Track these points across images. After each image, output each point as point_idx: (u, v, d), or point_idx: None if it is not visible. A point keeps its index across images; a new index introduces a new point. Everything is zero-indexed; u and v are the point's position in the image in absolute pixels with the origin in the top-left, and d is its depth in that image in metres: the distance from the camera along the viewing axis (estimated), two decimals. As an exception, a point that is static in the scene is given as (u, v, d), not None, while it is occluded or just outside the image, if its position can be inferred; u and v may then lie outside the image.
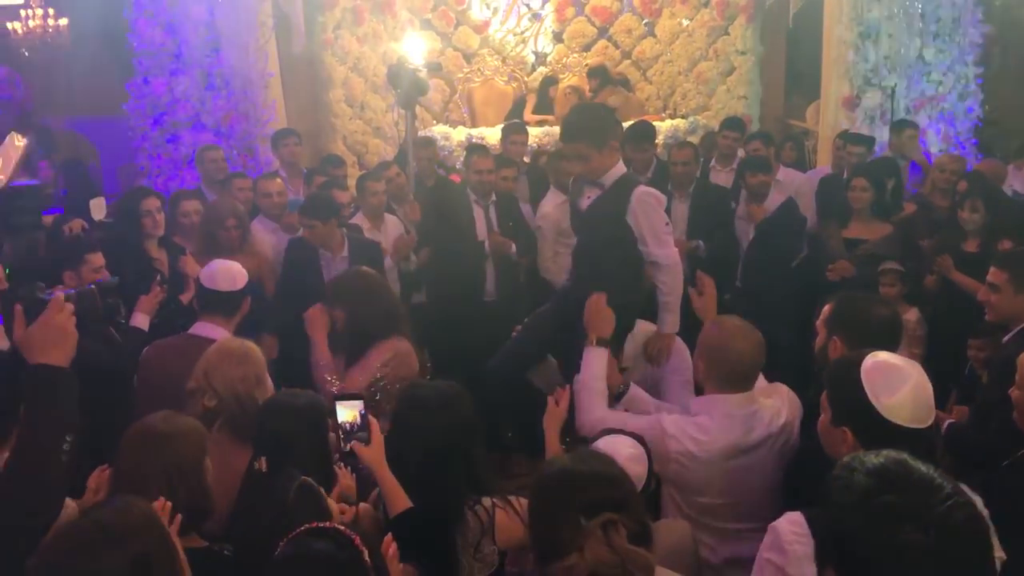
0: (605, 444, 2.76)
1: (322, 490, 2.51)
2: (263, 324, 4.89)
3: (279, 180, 6.20)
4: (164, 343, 3.95)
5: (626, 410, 3.53)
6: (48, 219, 5.75)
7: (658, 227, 3.91)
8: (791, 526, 2.20)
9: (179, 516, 2.28)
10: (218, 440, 3.07)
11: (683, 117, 10.28)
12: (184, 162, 7.99)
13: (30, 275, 4.48)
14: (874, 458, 1.61)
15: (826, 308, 3.14)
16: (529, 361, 4.22)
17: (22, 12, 9.92)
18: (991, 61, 9.00)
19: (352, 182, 7.33)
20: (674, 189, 6.38)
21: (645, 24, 11.01)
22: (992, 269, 3.96)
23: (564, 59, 11.02)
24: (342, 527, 1.97)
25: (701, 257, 6.27)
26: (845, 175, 6.55)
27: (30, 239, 5.50)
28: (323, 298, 4.08)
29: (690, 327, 3.84)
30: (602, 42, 11.08)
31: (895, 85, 8.24)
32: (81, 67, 9.82)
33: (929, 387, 2.33)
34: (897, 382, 2.28)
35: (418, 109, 8.57)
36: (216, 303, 3.86)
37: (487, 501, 2.68)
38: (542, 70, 10.98)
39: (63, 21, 9.92)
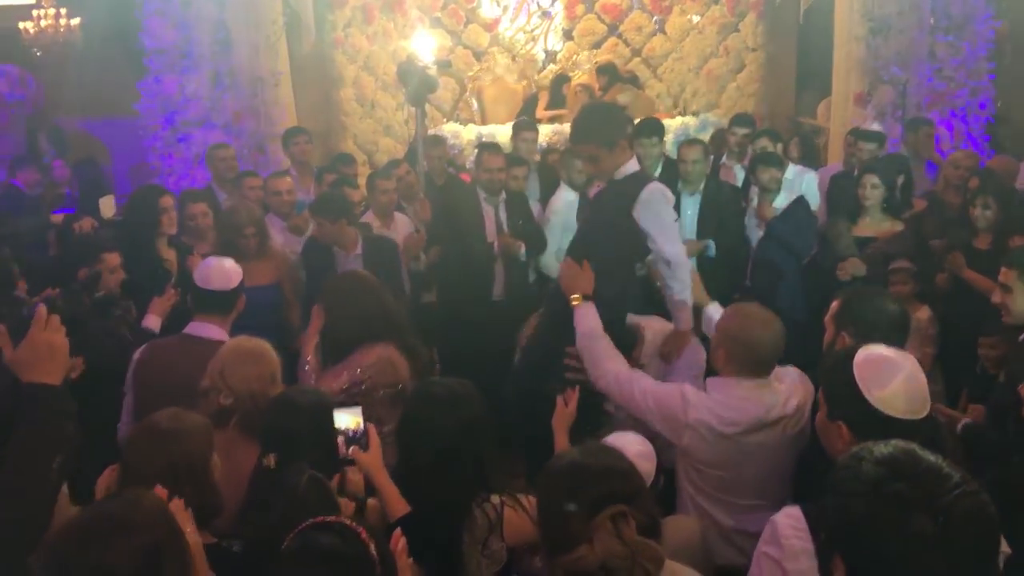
0: (613, 441, 2.77)
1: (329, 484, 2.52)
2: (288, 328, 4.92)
3: (289, 178, 6.21)
4: (160, 343, 3.93)
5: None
6: (58, 218, 5.79)
7: (667, 224, 3.90)
8: (789, 520, 2.21)
9: (189, 510, 2.29)
10: (232, 438, 3.09)
11: (693, 115, 10.26)
12: (195, 161, 8.02)
13: (41, 274, 4.53)
14: (883, 447, 1.62)
15: (834, 304, 3.14)
16: (541, 371, 4.19)
17: (34, 12, 9.97)
18: (1003, 57, 8.94)
19: (363, 181, 7.35)
20: (684, 187, 6.36)
21: (655, 21, 11.00)
22: (1002, 269, 3.95)
23: (574, 57, 11.01)
24: (348, 521, 1.98)
25: (711, 256, 6.26)
26: (856, 172, 6.52)
27: (38, 238, 5.54)
28: None
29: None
30: (612, 39, 11.07)
31: (906, 81, 8.20)
32: (93, 66, 9.87)
33: (922, 378, 2.33)
34: (889, 374, 2.29)
35: (428, 107, 8.58)
36: (211, 302, 3.84)
37: (496, 498, 2.68)
38: (552, 68, 10.98)
39: (75, 21, 9.96)
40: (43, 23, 9.95)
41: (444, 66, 7.81)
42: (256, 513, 2.43)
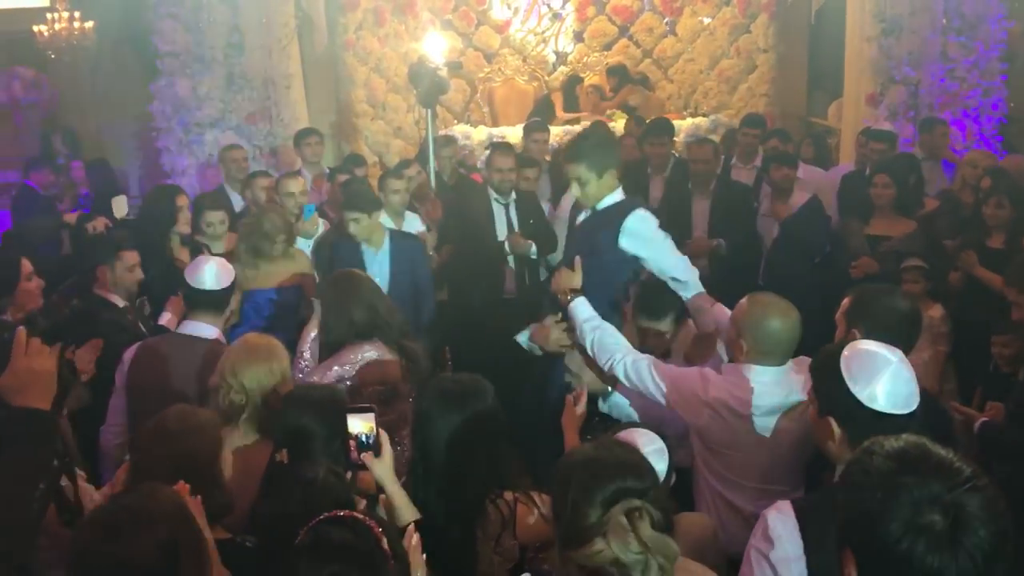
0: (625, 438, 2.76)
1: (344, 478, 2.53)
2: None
3: (301, 179, 6.21)
4: (151, 343, 3.92)
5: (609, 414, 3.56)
6: (72, 217, 5.82)
7: (659, 244, 3.86)
8: (778, 515, 2.23)
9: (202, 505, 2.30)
10: (242, 435, 3.10)
11: (704, 115, 10.26)
12: (207, 162, 8.05)
13: (54, 273, 4.56)
14: (894, 441, 1.61)
15: (845, 301, 3.13)
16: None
17: (48, 15, 10.00)
18: (1016, 58, 8.90)
19: (373, 182, 7.37)
20: (695, 187, 6.37)
21: (666, 23, 11.02)
22: (1006, 287, 3.99)
23: (585, 58, 11.02)
24: (361, 516, 1.98)
25: (723, 255, 6.26)
26: (868, 172, 6.51)
27: (51, 237, 5.57)
28: None
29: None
30: (623, 41, 11.09)
31: (918, 82, 8.18)
32: (106, 69, 9.92)
33: (910, 372, 2.33)
34: (876, 369, 2.29)
35: (439, 109, 8.59)
36: (204, 301, 3.86)
37: (509, 495, 2.68)
38: (563, 69, 11.00)
39: (88, 24, 10.00)
40: (57, 26, 9.98)
41: (455, 67, 7.83)
42: (271, 507, 2.44)
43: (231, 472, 2.70)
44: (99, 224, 5.72)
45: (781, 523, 2.21)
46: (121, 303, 4.42)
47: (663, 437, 2.90)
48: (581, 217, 4.12)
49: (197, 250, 5.36)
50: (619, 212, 3.84)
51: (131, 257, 4.53)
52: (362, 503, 2.61)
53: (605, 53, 11.03)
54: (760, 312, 3.13)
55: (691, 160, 6.52)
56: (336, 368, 3.74)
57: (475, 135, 9.66)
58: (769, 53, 10.52)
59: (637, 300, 3.96)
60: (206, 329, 3.82)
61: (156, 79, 8.20)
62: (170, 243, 5.22)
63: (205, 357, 3.66)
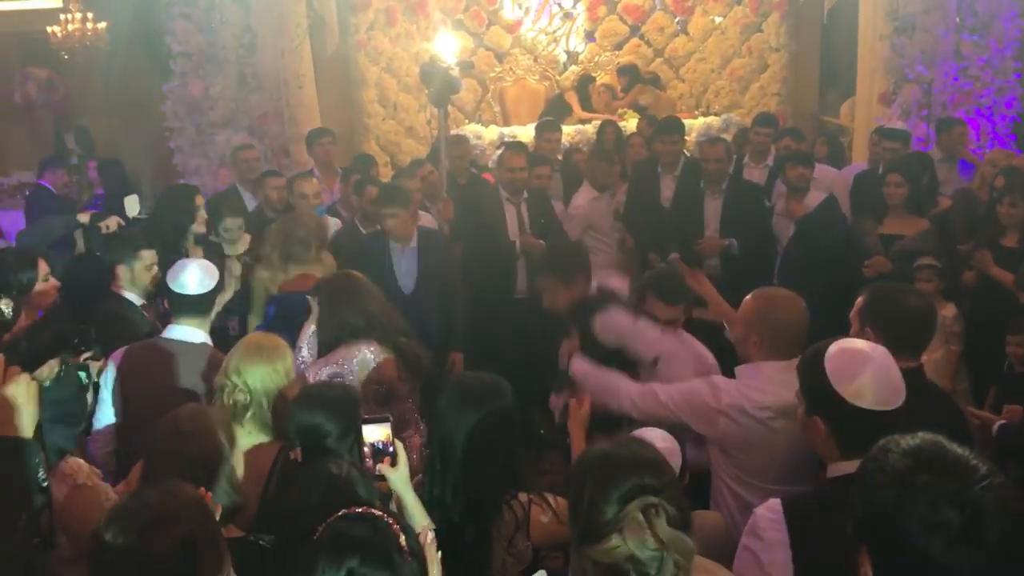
0: (641, 435, 2.76)
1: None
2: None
3: (315, 180, 6.21)
4: (138, 348, 3.85)
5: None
6: (85, 216, 5.83)
7: (630, 332, 3.80)
8: (768, 512, 2.24)
9: (219, 505, 2.31)
10: (247, 435, 3.11)
11: (716, 115, 10.24)
12: (220, 162, 8.08)
13: (69, 273, 4.57)
14: (910, 439, 1.61)
15: (859, 300, 3.11)
16: None
17: (61, 16, 10.06)
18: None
19: (385, 182, 7.38)
20: (707, 186, 6.36)
21: (677, 22, 11.00)
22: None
23: (596, 58, 11.02)
24: (379, 512, 1.99)
25: (734, 255, 6.24)
26: (881, 171, 6.49)
27: (63, 238, 5.58)
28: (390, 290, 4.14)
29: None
30: (634, 40, 11.07)
31: (931, 80, 8.14)
32: (119, 69, 9.97)
33: (894, 369, 2.33)
34: (858, 366, 2.29)
35: (450, 108, 8.60)
36: (188, 306, 3.81)
37: (523, 496, 2.67)
38: (574, 69, 10.99)
39: (102, 24, 10.05)
40: (70, 27, 10.04)
41: (466, 67, 7.83)
42: (292, 500, 2.43)
43: (243, 471, 2.71)
44: (112, 223, 5.73)
45: (769, 520, 2.23)
46: (139, 301, 4.44)
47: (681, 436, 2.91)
48: None
49: (212, 250, 5.39)
50: (589, 309, 3.88)
51: (149, 256, 4.54)
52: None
53: (616, 53, 11.02)
54: (767, 305, 3.13)
55: (703, 159, 6.51)
56: (331, 366, 3.75)
57: (486, 135, 9.67)
58: (781, 52, 10.50)
59: (652, 285, 3.91)
60: (192, 333, 3.77)
61: (169, 79, 8.23)
62: (184, 241, 5.24)
63: (191, 362, 3.65)
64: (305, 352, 4.03)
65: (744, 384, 3.11)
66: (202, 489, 2.22)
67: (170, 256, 4.94)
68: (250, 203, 6.66)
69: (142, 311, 4.43)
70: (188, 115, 8.23)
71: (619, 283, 4.23)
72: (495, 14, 10.82)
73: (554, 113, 9.88)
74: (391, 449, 2.60)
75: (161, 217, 5.50)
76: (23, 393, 2.23)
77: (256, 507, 2.86)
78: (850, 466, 2.25)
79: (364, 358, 3.76)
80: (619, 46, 11.07)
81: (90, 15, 10.02)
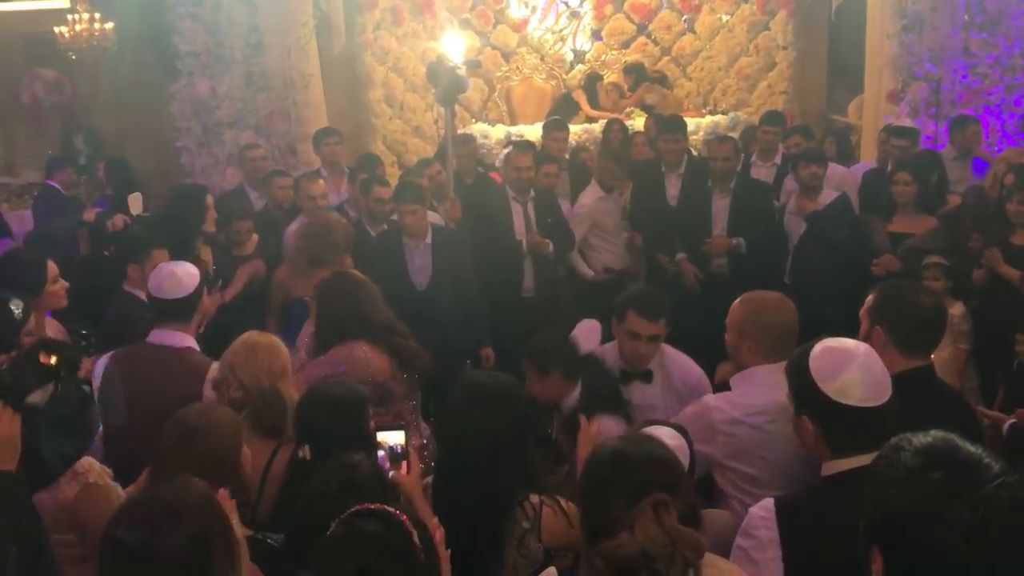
0: (651, 432, 2.75)
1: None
2: None
3: (321, 182, 6.17)
4: (123, 354, 3.78)
5: None
6: (91, 215, 5.85)
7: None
8: (760, 511, 2.26)
9: (233, 501, 2.31)
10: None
11: (723, 113, 10.22)
12: (227, 162, 8.09)
13: (72, 274, 4.58)
14: (922, 437, 1.60)
15: (869, 298, 3.10)
16: None
17: (69, 16, 10.08)
18: (1039, 53, 8.82)
19: (392, 181, 7.38)
20: (715, 185, 6.35)
21: (684, 20, 10.99)
22: None
23: (603, 56, 11.01)
24: (392, 509, 1.99)
25: (742, 253, 6.23)
26: (889, 169, 6.47)
27: (67, 238, 5.59)
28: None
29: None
30: (641, 39, 11.06)
31: (940, 78, 8.12)
32: (126, 69, 9.98)
33: (879, 365, 2.34)
34: (842, 363, 2.30)
35: (457, 107, 8.60)
36: (169, 311, 3.75)
37: (535, 498, 2.67)
38: (580, 67, 10.99)
39: (109, 25, 10.07)
40: (78, 27, 10.05)
41: (473, 66, 7.83)
42: (299, 506, 2.43)
43: (250, 468, 2.72)
44: (118, 221, 5.76)
45: (761, 518, 2.25)
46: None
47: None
48: None
49: (221, 250, 5.40)
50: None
51: (161, 256, 4.54)
52: None
53: (623, 51, 11.01)
54: (755, 309, 3.14)
55: (711, 158, 6.49)
56: (325, 367, 3.75)
57: (493, 134, 9.67)
58: (788, 50, 10.48)
59: (632, 301, 3.80)
60: (176, 337, 3.72)
61: (176, 79, 8.24)
62: (194, 242, 5.24)
63: (176, 367, 3.61)
64: (303, 354, 4.03)
65: (735, 394, 3.12)
66: (222, 491, 2.22)
67: (182, 255, 4.96)
68: (257, 203, 6.67)
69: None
70: (195, 115, 8.23)
71: (592, 334, 4.17)
72: (502, 13, 10.82)
73: (561, 112, 9.87)
74: (406, 454, 2.60)
75: (172, 217, 5.51)
76: (6, 430, 2.21)
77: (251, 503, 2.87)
78: (842, 464, 2.28)
79: (357, 358, 3.76)
80: (626, 44, 11.05)
81: (97, 15, 10.03)
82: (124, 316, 4.26)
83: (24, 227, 7.55)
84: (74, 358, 2.83)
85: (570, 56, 11.10)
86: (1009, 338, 4.59)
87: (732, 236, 6.25)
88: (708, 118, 9.98)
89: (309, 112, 8.41)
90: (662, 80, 10.62)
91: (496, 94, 10.86)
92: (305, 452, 2.81)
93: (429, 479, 2.78)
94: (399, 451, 2.61)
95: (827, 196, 6.05)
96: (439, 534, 2.20)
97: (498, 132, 9.72)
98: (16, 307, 3.65)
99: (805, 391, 2.35)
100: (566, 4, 10.95)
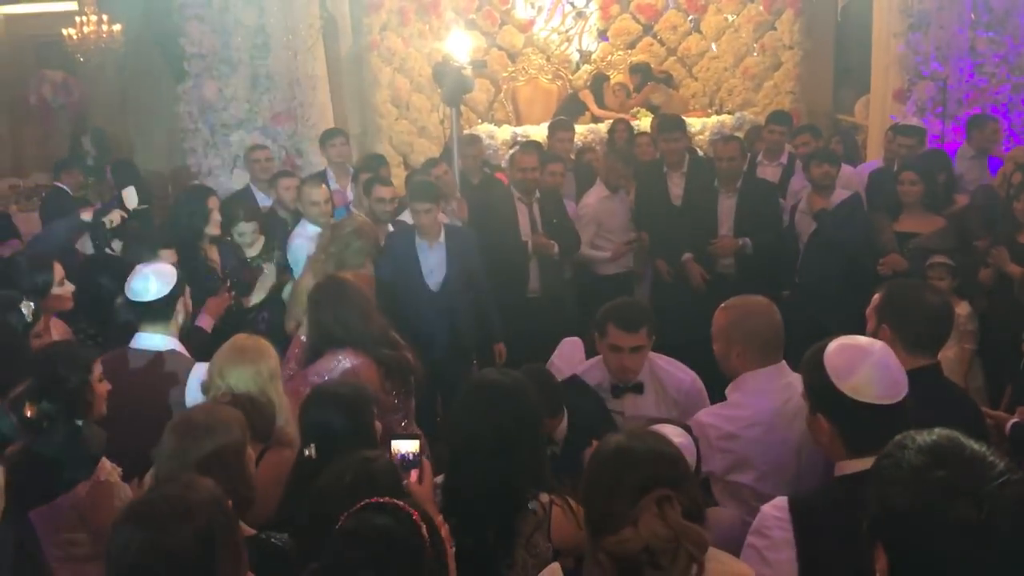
0: (655, 430, 2.75)
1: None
2: None
3: (324, 187, 6.03)
4: (108, 358, 3.67)
5: None
6: (88, 214, 5.86)
7: None
8: (773, 511, 2.23)
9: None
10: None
11: (729, 113, 10.21)
12: (234, 162, 8.11)
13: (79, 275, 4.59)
14: (926, 435, 1.60)
15: (876, 296, 3.10)
16: None
17: (77, 19, 10.13)
18: (1046, 52, 8.80)
19: (397, 182, 7.39)
20: (721, 185, 6.34)
21: (690, 20, 10.97)
22: None
23: (609, 57, 11.00)
24: (401, 503, 2.00)
25: (748, 254, 6.23)
26: (896, 168, 6.46)
27: (66, 239, 5.60)
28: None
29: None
30: (647, 39, 11.05)
31: (946, 77, 8.10)
32: (134, 71, 10.02)
33: (895, 362, 2.32)
34: (857, 361, 2.29)
35: (463, 108, 8.61)
36: (147, 313, 3.72)
37: (545, 497, 2.66)
38: (587, 68, 10.98)
39: (116, 27, 10.12)
40: (85, 29, 10.11)
41: (479, 67, 7.83)
42: (310, 505, 2.44)
43: (254, 468, 2.72)
44: (115, 217, 5.77)
45: (775, 518, 2.23)
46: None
47: None
48: None
49: (229, 251, 5.41)
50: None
51: (168, 256, 4.56)
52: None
53: (629, 51, 11.00)
54: (740, 315, 3.13)
55: (716, 158, 6.49)
56: (313, 377, 3.73)
57: (499, 134, 9.67)
58: (795, 50, 10.47)
59: (611, 314, 3.74)
60: (157, 340, 3.70)
61: (183, 81, 8.27)
62: (201, 243, 5.26)
63: (155, 370, 3.60)
64: (293, 364, 4.02)
65: (729, 407, 3.10)
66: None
67: (188, 256, 4.98)
68: (264, 203, 6.68)
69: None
70: (202, 116, 8.25)
71: (575, 351, 4.18)
72: (508, 14, 10.82)
73: (567, 112, 9.88)
74: (419, 463, 2.60)
75: (178, 219, 5.52)
76: None
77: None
78: (857, 464, 2.26)
79: (345, 368, 3.75)
80: (632, 45, 11.05)
81: (105, 18, 10.08)
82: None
83: (32, 229, 7.57)
84: (71, 397, 2.89)
85: (576, 57, 11.09)
86: (1016, 337, 4.58)
87: (738, 236, 6.24)
88: (714, 118, 9.97)
89: (316, 113, 8.42)
90: (668, 80, 10.62)
91: (502, 95, 10.86)
92: (311, 451, 2.82)
93: (438, 478, 2.78)
94: (411, 459, 2.60)
95: (839, 196, 6.03)
96: (445, 529, 2.21)
97: (504, 133, 9.72)
98: (26, 309, 3.67)
99: (821, 389, 2.33)
100: (572, 5, 10.95)
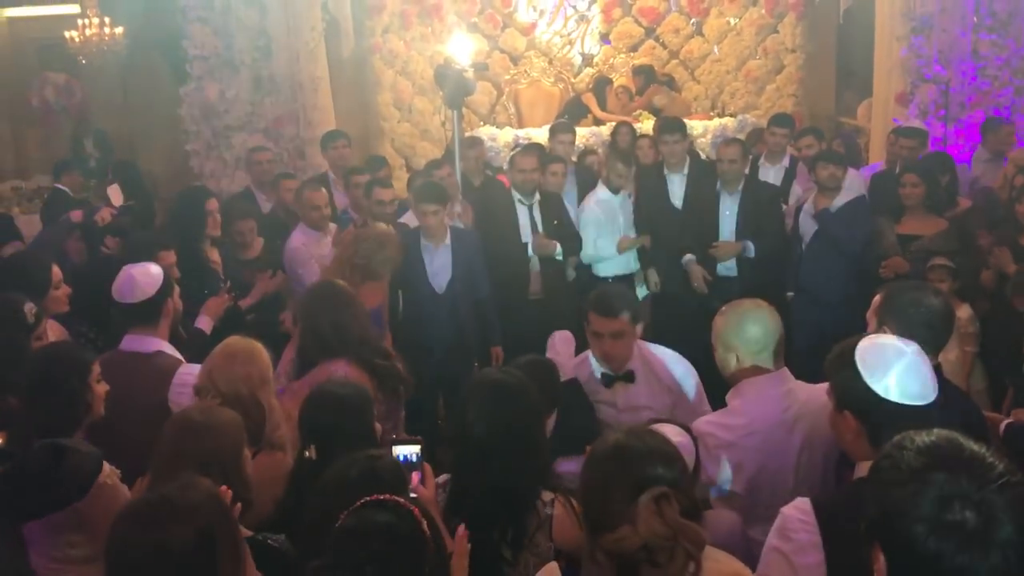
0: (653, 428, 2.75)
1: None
2: None
3: (324, 191, 5.95)
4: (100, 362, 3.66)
5: None
6: (77, 215, 5.86)
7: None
8: (797, 513, 2.18)
9: (239, 504, 2.32)
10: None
11: (732, 116, 10.20)
12: (235, 164, 8.12)
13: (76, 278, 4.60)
14: (925, 436, 1.59)
15: (876, 298, 3.10)
16: None
17: (79, 21, 10.14)
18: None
19: (399, 184, 7.39)
20: (723, 187, 6.33)
21: (693, 24, 10.97)
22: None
23: (611, 60, 11.00)
24: (402, 500, 2.00)
25: (750, 256, 6.22)
26: (898, 170, 6.45)
27: (58, 241, 5.61)
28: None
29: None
30: (649, 42, 11.05)
31: (949, 80, 8.09)
32: (136, 73, 10.04)
33: (926, 363, 2.31)
34: (891, 359, 2.27)
35: (465, 111, 8.60)
36: (134, 315, 3.70)
37: (547, 495, 2.66)
38: (589, 71, 10.99)
39: (119, 29, 10.13)
40: (88, 32, 10.11)
41: (481, 69, 7.84)
42: (332, 476, 2.43)
43: (251, 469, 2.72)
44: (105, 214, 5.79)
45: (800, 521, 2.18)
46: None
47: None
48: None
49: (226, 252, 5.41)
50: None
51: (168, 257, 4.55)
52: None
53: (631, 54, 11.00)
54: (738, 320, 3.09)
55: (718, 159, 6.49)
56: (306, 387, 3.65)
57: (501, 137, 9.67)
58: (797, 53, 10.46)
59: (591, 302, 3.79)
60: (146, 343, 3.68)
61: (185, 83, 8.28)
62: (202, 244, 5.25)
63: (142, 373, 3.58)
64: (283, 379, 3.97)
65: (727, 414, 3.08)
66: (224, 487, 2.23)
67: (188, 258, 4.98)
68: (264, 206, 6.68)
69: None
70: (204, 118, 8.27)
71: (566, 345, 4.19)
72: (510, 17, 10.83)
73: (570, 115, 9.88)
74: (420, 465, 2.59)
75: (176, 221, 5.53)
76: None
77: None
78: None
79: (337, 378, 3.72)
80: (634, 48, 11.05)
81: (107, 20, 10.09)
82: None
83: (34, 231, 7.57)
84: (70, 398, 2.89)
85: (578, 60, 11.10)
86: (1018, 340, 4.57)
87: (740, 239, 6.24)
88: (716, 121, 9.96)
89: (318, 115, 8.43)
90: (670, 83, 10.62)
91: (504, 97, 10.87)
92: (311, 452, 2.82)
93: (441, 479, 2.78)
94: (413, 461, 2.60)
95: (845, 198, 6.00)
96: (461, 528, 2.21)
97: (506, 135, 9.72)
98: (29, 311, 3.67)
99: (851, 387, 2.30)
100: (574, 8, 10.95)
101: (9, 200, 10.06)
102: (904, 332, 2.78)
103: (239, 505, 2.31)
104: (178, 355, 3.75)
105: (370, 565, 1.88)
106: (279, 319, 5.32)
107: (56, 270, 4.19)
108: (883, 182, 6.67)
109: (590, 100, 10.44)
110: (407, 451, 2.61)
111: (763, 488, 2.99)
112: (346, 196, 6.59)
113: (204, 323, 4.54)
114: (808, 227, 6.14)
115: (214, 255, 5.34)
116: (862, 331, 3.15)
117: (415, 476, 2.59)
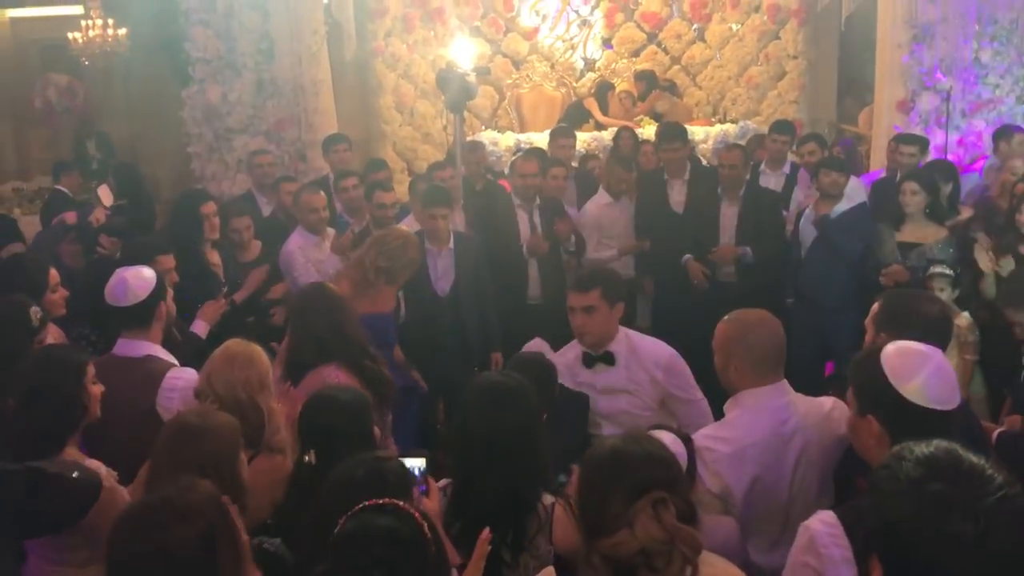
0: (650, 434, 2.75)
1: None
2: None
3: (322, 194, 5.87)
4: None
5: None
6: (71, 216, 5.86)
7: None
8: (825, 527, 2.14)
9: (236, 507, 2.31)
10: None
11: (733, 122, 10.21)
12: (237, 167, 8.12)
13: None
14: (924, 447, 1.59)
15: (875, 306, 3.10)
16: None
17: (82, 22, 10.14)
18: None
19: (400, 187, 7.39)
20: (723, 192, 6.34)
21: (695, 29, 10.99)
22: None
23: (613, 65, 11.02)
24: (402, 503, 2.00)
25: (750, 263, 6.22)
26: (898, 177, 6.44)
27: (52, 244, 5.61)
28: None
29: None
30: (651, 48, 11.08)
31: (950, 88, 8.10)
32: (139, 75, 10.04)
33: (951, 369, 2.32)
34: (918, 365, 2.28)
35: (467, 115, 8.61)
36: (126, 319, 3.69)
37: (548, 498, 2.66)
38: (591, 76, 11.00)
39: (122, 31, 10.13)
40: (91, 33, 10.10)
41: (483, 73, 7.85)
42: (337, 476, 2.42)
43: (248, 473, 2.72)
44: (99, 214, 5.79)
45: (829, 535, 2.13)
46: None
47: None
48: None
49: (226, 255, 5.41)
50: None
51: (166, 261, 4.54)
52: None
53: (633, 60, 11.02)
54: (741, 329, 3.06)
55: (719, 165, 6.50)
56: (302, 396, 3.65)
57: (503, 141, 9.68)
58: (799, 59, 10.47)
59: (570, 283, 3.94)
60: (139, 347, 3.67)
61: (188, 85, 8.29)
62: (201, 247, 5.25)
63: (132, 378, 3.56)
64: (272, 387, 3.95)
65: (724, 426, 3.05)
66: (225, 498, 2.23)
67: (187, 260, 4.98)
68: (265, 208, 6.68)
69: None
70: (206, 121, 8.27)
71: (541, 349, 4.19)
72: (512, 21, 10.85)
73: (572, 120, 9.89)
74: (424, 478, 2.59)
75: (175, 223, 5.53)
76: None
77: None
78: None
79: (332, 383, 3.68)
80: (636, 53, 11.07)
81: (110, 22, 10.08)
82: None
83: (35, 232, 7.58)
84: (66, 401, 2.91)
85: (580, 64, 11.12)
86: (1018, 349, 4.57)
87: (740, 245, 6.24)
88: (718, 127, 9.98)
89: (319, 119, 8.43)
90: (672, 89, 10.64)
91: (506, 102, 10.88)
92: (310, 457, 2.81)
93: (442, 483, 2.78)
94: (420, 471, 2.60)
95: (844, 205, 6.00)
96: (485, 532, 2.26)
97: (508, 140, 9.73)
98: (34, 314, 3.67)
99: (876, 391, 2.30)
100: (577, 12, 10.98)
101: (10, 201, 10.07)
102: (902, 339, 2.78)
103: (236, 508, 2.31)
104: (170, 359, 3.73)
105: (378, 569, 1.89)
106: (270, 312, 5.32)
107: (53, 273, 4.19)
108: (883, 189, 6.67)
109: (592, 105, 10.45)
110: (412, 464, 2.61)
111: (757, 502, 2.95)
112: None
113: (200, 327, 4.53)
114: (808, 233, 6.14)
115: (214, 257, 5.33)
116: (860, 338, 3.16)
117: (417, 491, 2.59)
